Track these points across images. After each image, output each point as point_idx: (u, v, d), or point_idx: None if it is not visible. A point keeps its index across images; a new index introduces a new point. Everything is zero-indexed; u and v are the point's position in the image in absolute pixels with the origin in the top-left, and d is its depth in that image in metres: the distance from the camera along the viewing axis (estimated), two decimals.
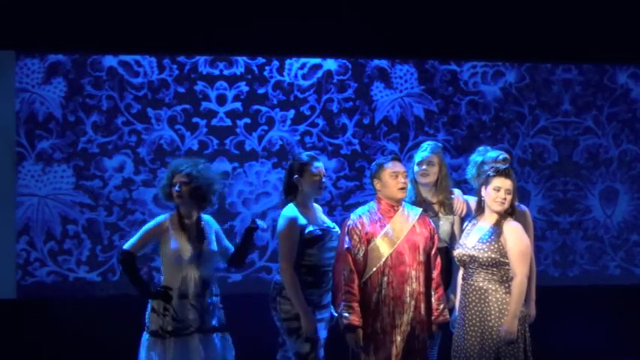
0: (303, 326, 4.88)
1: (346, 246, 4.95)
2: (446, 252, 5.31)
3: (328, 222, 5.16)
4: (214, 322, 5.04)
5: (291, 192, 5.08)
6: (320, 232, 4.98)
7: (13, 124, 6.66)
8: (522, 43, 7.17)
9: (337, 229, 5.12)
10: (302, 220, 4.95)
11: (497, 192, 4.91)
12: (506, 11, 7.08)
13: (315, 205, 5.18)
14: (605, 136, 7.43)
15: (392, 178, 4.99)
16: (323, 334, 5.02)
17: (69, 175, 6.72)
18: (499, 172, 4.94)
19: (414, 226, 5.00)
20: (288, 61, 7.00)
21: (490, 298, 4.87)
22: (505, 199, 4.92)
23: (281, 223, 4.97)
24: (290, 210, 4.99)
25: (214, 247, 5.09)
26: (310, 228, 4.95)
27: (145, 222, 6.77)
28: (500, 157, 5.43)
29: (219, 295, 5.14)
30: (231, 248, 5.24)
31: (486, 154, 5.52)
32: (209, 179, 5.07)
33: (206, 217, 5.18)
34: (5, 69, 6.65)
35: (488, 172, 4.99)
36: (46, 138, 6.70)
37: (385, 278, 4.91)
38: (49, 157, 6.69)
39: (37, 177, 6.68)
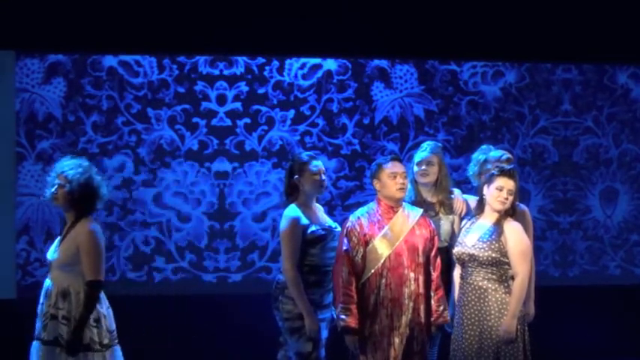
0: (306, 326, 4.88)
1: (344, 248, 4.91)
2: (446, 252, 5.30)
3: (330, 222, 5.15)
4: (43, 335, 4.61)
5: (292, 193, 5.08)
6: (323, 232, 4.98)
7: (13, 124, 6.65)
8: (522, 43, 7.16)
9: (339, 228, 5.10)
10: (304, 220, 4.95)
11: (500, 191, 4.91)
12: (506, 11, 7.07)
13: (317, 205, 5.18)
14: (605, 136, 7.42)
15: (390, 178, 4.95)
16: (324, 333, 5.02)
17: None
18: (503, 172, 4.93)
19: (413, 227, 4.96)
20: (288, 61, 6.99)
21: (490, 297, 4.86)
22: (507, 199, 4.91)
23: (283, 223, 4.96)
24: (292, 210, 4.98)
25: (56, 255, 4.65)
26: (313, 228, 4.95)
27: (144, 222, 6.80)
28: (504, 157, 5.44)
29: (79, 311, 4.56)
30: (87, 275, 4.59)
31: (489, 153, 5.53)
32: (83, 185, 4.63)
33: (90, 227, 4.62)
34: (5, 69, 6.65)
35: (493, 171, 4.99)
36: (46, 138, 6.70)
37: (383, 280, 4.88)
38: (49, 157, 6.68)
39: (37, 177, 6.67)
